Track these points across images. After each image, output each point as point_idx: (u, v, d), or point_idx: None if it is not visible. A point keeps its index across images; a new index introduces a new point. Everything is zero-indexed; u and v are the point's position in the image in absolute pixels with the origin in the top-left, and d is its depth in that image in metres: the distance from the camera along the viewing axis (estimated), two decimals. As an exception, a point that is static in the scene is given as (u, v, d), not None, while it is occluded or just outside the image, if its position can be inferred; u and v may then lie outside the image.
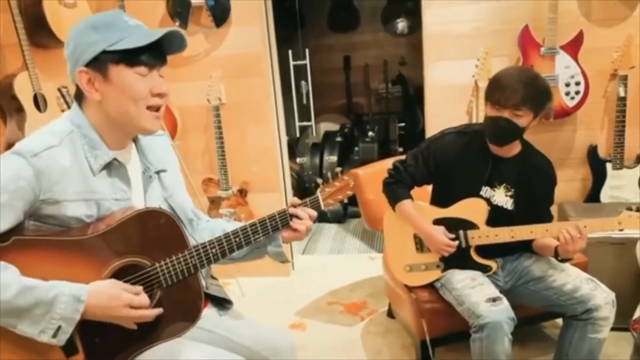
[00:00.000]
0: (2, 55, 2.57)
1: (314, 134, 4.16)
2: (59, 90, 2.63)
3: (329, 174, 1.58)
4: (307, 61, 3.81)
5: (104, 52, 1.21)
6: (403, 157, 2.15)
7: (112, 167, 1.30)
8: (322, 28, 5.56)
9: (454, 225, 2.00)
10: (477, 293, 1.87)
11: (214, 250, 1.34)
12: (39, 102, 2.50)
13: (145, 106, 1.26)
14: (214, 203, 3.16)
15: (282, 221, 1.43)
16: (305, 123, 4.03)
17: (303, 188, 4.36)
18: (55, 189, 1.19)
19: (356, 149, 4.60)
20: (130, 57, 1.22)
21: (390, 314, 2.72)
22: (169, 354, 1.29)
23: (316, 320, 2.81)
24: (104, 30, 1.22)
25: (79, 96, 1.29)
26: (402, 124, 5.05)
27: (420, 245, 2.09)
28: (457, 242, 1.97)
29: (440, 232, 1.98)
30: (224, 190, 3.11)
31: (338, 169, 1.58)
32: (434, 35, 2.91)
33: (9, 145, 2.49)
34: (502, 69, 1.99)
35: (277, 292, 3.16)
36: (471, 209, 2.00)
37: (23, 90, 2.46)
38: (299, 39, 4.81)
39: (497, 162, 1.98)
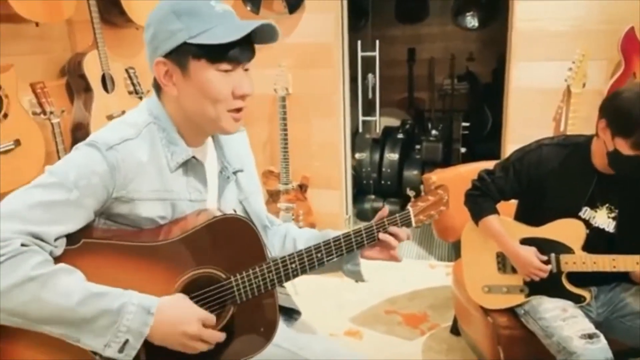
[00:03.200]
0: (73, 32, 2.52)
1: (378, 130, 3.97)
2: (127, 71, 2.56)
3: (422, 187, 1.41)
4: (377, 53, 3.63)
5: (185, 44, 1.07)
6: (489, 166, 1.95)
7: (189, 165, 1.18)
8: (387, 18, 5.34)
9: (545, 247, 1.80)
10: (570, 327, 1.67)
11: (293, 266, 1.20)
12: (107, 82, 2.43)
13: (226, 109, 1.13)
14: (273, 196, 3.05)
15: (367, 237, 1.29)
16: (368, 118, 3.86)
17: (359, 185, 4.20)
18: (130, 186, 1.08)
19: (418, 147, 4.38)
20: (213, 52, 1.07)
21: (454, 330, 2.54)
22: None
23: (373, 330, 2.65)
24: (187, 17, 1.07)
25: (158, 85, 1.16)
26: (467, 124, 4.79)
27: (503, 265, 1.90)
28: (549, 267, 1.77)
29: (532, 254, 1.78)
30: (284, 184, 2.99)
31: (433, 179, 1.41)
32: (524, 32, 2.67)
33: (75, 125, 2.44)
34: (631, 89, 1.66)
35: (332, 294, 3.02)
36: (566, 230, 1.79)
37: (92, 69, 2.39)
38: (369, 29, 4.61)
39: (602, 180, 1.75)
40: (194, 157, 1.17)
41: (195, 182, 1.19)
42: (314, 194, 3.07)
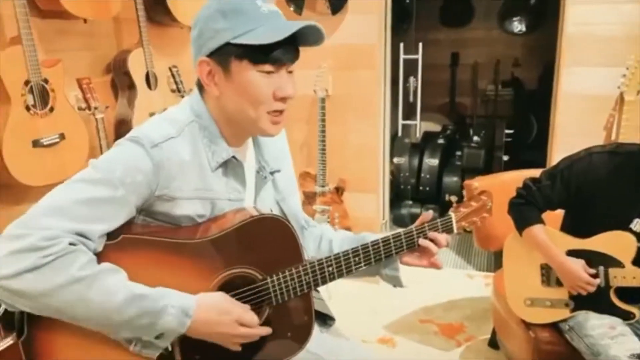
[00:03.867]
0: (120, 29, 2.56)
1: (418, 134, 3.91)
2: (170, 69, 2.59)
3: (463, 193, 1.36)
4: (420, 56, 3.57)
5: (229, 44, 1.06)
6: (535, 174, 1.88)
7: (229, 165, 1.17)
8: (431, 21, 5.25)
9: (593, 260, 1.71)
10: (619, 346, 1.58)
11: (330, 269, 1.17)
12: (150, 80, 2.46)
13: (266, 111, 1.11)
14: (309, 198, 3.02)
15: (407, 243, 1.25)
16: (409, 122, 3.80)
17: (397, 190, 4.14)
18: (172, 185, 1.07)
19: (458, 153, 4.29)
20: (256, 53, 1.05)
21: (493, 343, 2.45)
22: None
23: (407, 339, 2.59)
24: (233, 17, 1.06)
25: (201, 84, 1.15)
26: (511, 131, 4.66)
27: (547, 277, 1.82)
28: (598, 280, 1.68)
29: (580, 266, 1.70)
30: (321, 186, 2.97)
31: (476, 184, 1.36)
32: (575, 36, 2.57)
33: (119, 121, 2.48)
34: None
35: (366, 300, 2.97)
36: (616, 243, 1.70)
37: (136, 66, 2.43)
38: (412, 31, 4.55)
39: (656, 192, 1.66)
40: (234, 157, 1.16)
41: (234, 182, 1.18)
42: (350, 197, 3.04)
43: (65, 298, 0.92)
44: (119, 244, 1.01)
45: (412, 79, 3.73)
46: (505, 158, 4.32)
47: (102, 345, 0.98)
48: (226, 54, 1.07)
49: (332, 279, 1.19)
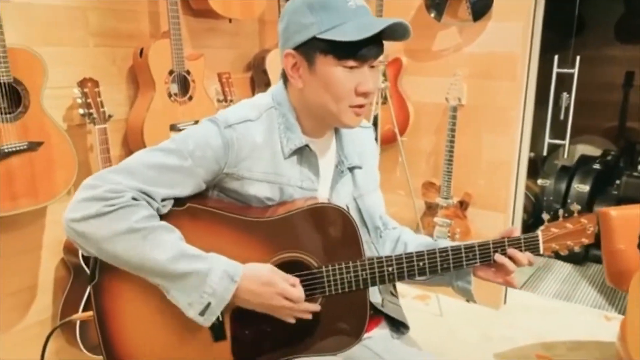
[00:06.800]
0: (263, 30, 2.76)
1: (566, 155, 3.56)
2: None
3: (561, 212, 1.22)
4: (576, 71, 3.26)
5: (315, 38, 1.09)
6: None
7: (303, 154, 1.20)
8: (604, 36, 4.74)
9: None
10: None
11: (390, 269, 1.14)
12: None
13: (348, 105, 1.12)
14: (430, 209, 2.94)
15: (481, 256, 1.16)
16: (556, 141, 3.48)
17: (536, 215, 3.80)
18: (241, 164, 1.14)
19: (617, 182, 3.81)
20: (340, 49, 1.07)
21: (615, 396, 2.14)
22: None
23: (517, 372, 2.39)
24: (320, 11, 1.08)
25: (285, 75, 1.20)
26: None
27: (678, 328, 1.54)
28: None
29: None
30: (445, 198, 2.86)
31: (577, 207, 1.21)
32: None
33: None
34: None
35: (479, 324, 2.79)
36: None
37: (273, 66, 2.59)
38: (571, 45, 4.17)
39: None
40: (307, 145, 1.19)
41: (307, 171, 1.21)
42: (474, 213, 2.88)
43: (122, 246, 1.02)
44: (184, 211, 1.09)
45: (565, 95, 3.41)
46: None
47: (161, 304, 1.07)
48: (312, 48, 1.10)
49: (391, 280, 1.15)
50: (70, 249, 1.97)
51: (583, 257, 3.62)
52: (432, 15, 2.81)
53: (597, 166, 3.88)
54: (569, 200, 3.74)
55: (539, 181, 3.95)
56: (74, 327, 1.89)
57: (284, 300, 1.07)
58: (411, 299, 3.01)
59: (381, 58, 2.78)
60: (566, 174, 3.89)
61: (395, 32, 1.10)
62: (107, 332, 1.08)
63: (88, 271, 1.15)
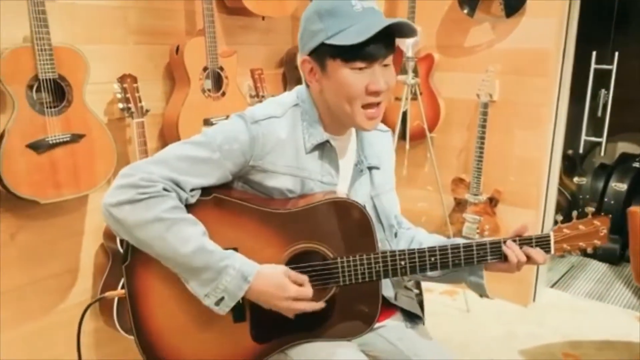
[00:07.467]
0: (296, 27, 2.80)
1: (603, 153, 3.49)
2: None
3: (574, 213, 1.24)
4: (614, 67, 3.18)
5: (323, 44, 1.14)
6: None
7: (325, 149, 1.26)
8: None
9: None
10: None
11: (402, 263, 1.19)
12: (314, 74, 2.65)
13: (360, 105, 1.17)
14: (459, 205, 2.94)
15: (492, 253, 1.20)
16: (593, 138, 3.41)
17: (569, 213, 3.73)
18: (267, 158, 1.20)
19: (659, 182, 3.71)
20: (347, 52, 1.12)
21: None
22: (329, 354, 1.20)
23: (541, 370, 2.39)
24: (327, 18, 1.13)
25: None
26: None
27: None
28: None
29: None
30: (474, 194, 2.86)
31: (590, 209, 1.23)
32: None
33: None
34: None
35: (507, 321, 2.79)
36: None
37: (304, 61, 2.65)
38: (610, 40, 4.05)
39: None
40: (328, 141, 1.25)
41: (328, 166, 1.27)
42: (504, 210, 2.87)
43: (149, 233, 1.10)
44: (209, 201, 1.17)
45: (603, 91, 3.34)
46: None
47: (184, 293, 1.15)
48: (322, 54, 1.16)
49: (404, 273, 1.20)
50: (109, 235, 2.09)
51: (619, 256, 3.55)
52: (465, 11, 2.80)
53: (637, 164, 3.78)
54: (605, 199, 3.66)
55: (575, 179, 3.88)
56: (111, 309, 2.01)
57: (293, 302, 1.13)
58: (438, 294, 3.03)
59: (411, 54, 2.79)
60: (604, 172, 3.80)
61: (402, 30, 1.15)
62: (137, 310, 1.17)
63: (124, 253, 1.24)
